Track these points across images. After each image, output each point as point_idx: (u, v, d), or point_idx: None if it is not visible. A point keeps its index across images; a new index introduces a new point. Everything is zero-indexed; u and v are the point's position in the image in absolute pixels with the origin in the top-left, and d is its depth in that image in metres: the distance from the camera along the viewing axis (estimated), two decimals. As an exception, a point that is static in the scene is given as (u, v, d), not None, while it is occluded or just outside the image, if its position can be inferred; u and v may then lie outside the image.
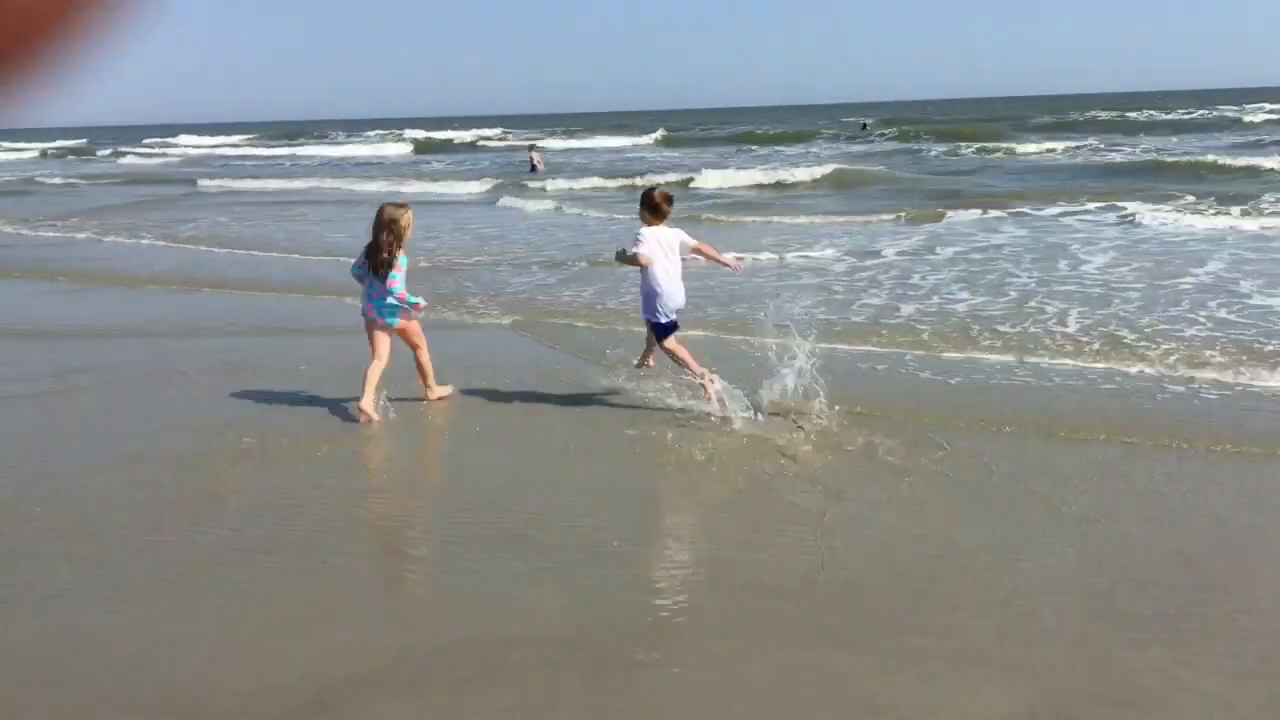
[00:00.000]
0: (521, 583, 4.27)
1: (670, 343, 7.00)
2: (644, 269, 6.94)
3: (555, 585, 4.25)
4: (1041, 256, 13.16)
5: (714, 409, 6.63)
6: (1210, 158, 26.39)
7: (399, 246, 6.74)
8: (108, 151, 63.93)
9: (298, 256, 15.72)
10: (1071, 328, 8.95)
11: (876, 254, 13.83)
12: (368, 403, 6.57)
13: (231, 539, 4.80)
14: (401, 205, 6.97)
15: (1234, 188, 20.41)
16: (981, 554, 4.51)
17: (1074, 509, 5.00)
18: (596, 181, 28.87)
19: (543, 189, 27.20)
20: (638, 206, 7.18)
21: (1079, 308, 9.76)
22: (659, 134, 60.39)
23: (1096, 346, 8.27)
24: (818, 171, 28.06)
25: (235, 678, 3.55)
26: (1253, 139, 37.93)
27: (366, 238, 6.98)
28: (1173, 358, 7.82)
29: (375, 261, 6.73)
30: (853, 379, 7.36)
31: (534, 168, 34.60)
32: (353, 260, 7.10)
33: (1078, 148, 36.11)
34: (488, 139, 67.06)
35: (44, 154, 62.73)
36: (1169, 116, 56.88)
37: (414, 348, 6.99)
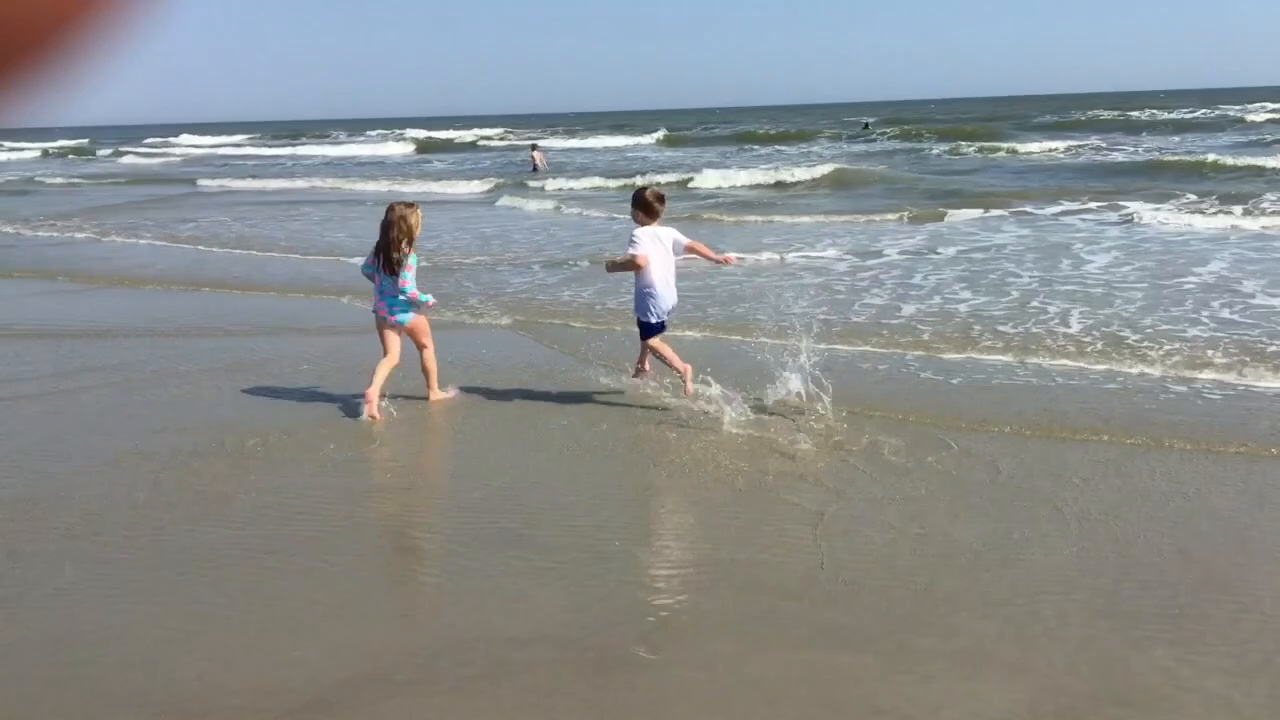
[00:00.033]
0: (522, 582, 4.28)
1: (655, 341, 7.05)
2: (640, 269, 6.96)
3: (556, 585, 4.25)
4: (1043, 256, 13.15)
5: (697, 404, 6.67)
6: (1212, 157, 26.33)
7: (410, 245, 6.85)
8: (109, 151, 63.98)
9: (299, 256, 15.73)
10: (1074, 328, 8.95)
11: (878, 254, 13.83)
12: (374, 391, 6.71)
13: (234, 538, 4.81)
14: (411, 204, 7.08)
15: (1236, 187, 20.38)
16: (983, 553, 4.51)
17: (1076, 508, 5.00)
18: (597, 181, 28.88)
19: (542, 188, 27.22)
20: (629, 207, 7.21)
21: (1081, 307, 9.75)
22: (660, 134, 60.35)
23: (1099, 347, 8.26)
24: (819, 171, 28.04)
25: (238, 677, 3.55)
26: (1254, 138, 37.85)
27: (369, 237, 7.03)
28: (1175, 358, 7.81)
29: (387, 260, 6.83)
30: (854, 379, 7.36)
31: (536, 167, 34.64)
32: (362, 260, 7.18)
33: (1080, 147, 36.06)
34: (489, 139, 67.07)
35: (45, 154, 62.77)
36: (1171, 116, 56.77)
37: (420, 347, 7.08)
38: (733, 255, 7.90)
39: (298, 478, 5.69)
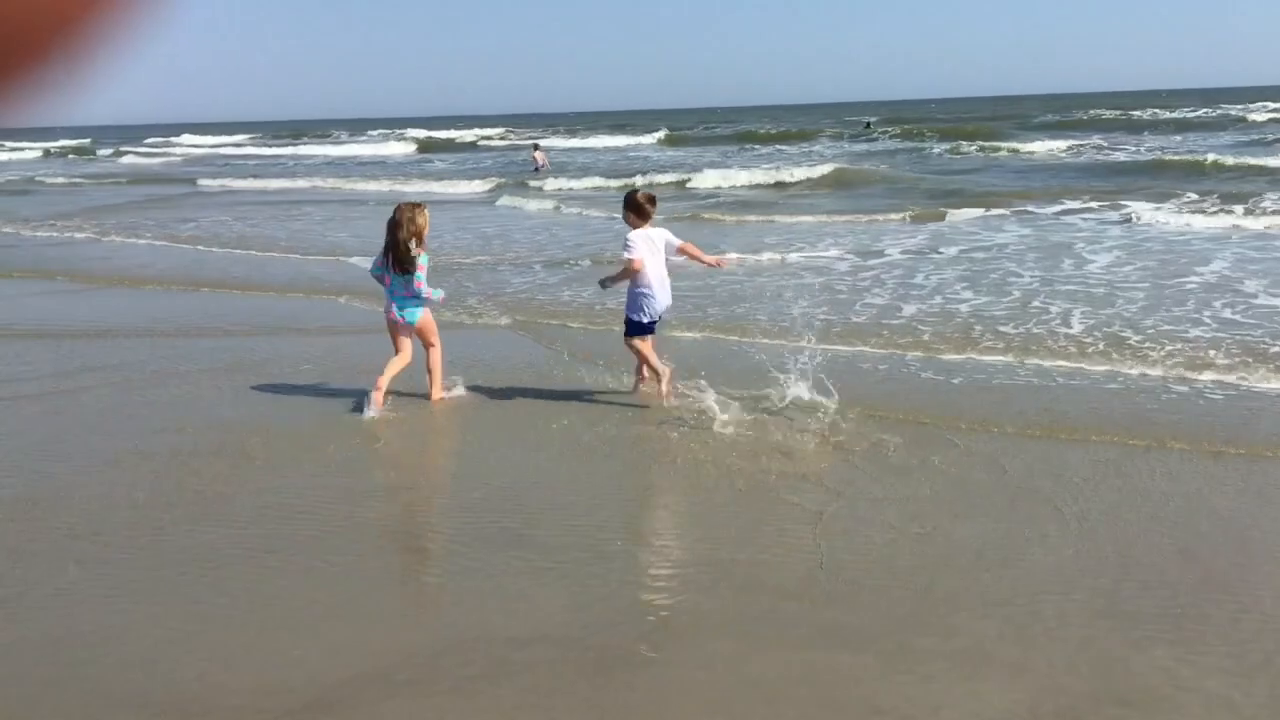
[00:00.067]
0: (523, 582, 4.28)
1: (638, 340, 7.04)
2: (636, 272, 6.97)
3: (557, 585, 4.25)
4: (1045, 256, 13.15)
5: (697, 405, 6.67)
6: (1214, 157, 26.32)
7: (420, 245, 6.91)
8: (109, 151, 64.00)
9: (299, 256, 15.73)
10: (1075, 328, 8.94)
11: (879, 253, 13.83)
12: (384, 380, 6.82)
13: (234, 538, 4.81)
14: (418, 205, 7.14)
15: (1238, 186, 20.37)
16: (983, 553, 4.51)
17: (1076, 508, 5.00)
18: (598, 181, 28.88)
19: (541, 188, 27.22)
20: (621, 209, 7.21)
21: (1082, 307, 9.74)
22: (661, 133, 60.33)
23: (1100, 347, 8.26)
24: (820, 170, 28.03)
25: (238, 677, 3.55)
26: (1256, 138, 37.82)
27: (370, 236, 7.06)
28: (1176, 359, 7.81)
29: (397, 260, 6.89)
30: (854, 379, 7.36)
31: (537, 167, 34.66)
32: (368, 261, 7.22)
33: (1081, 146, 36.03)
34: (489, 138, 67.06)
35: (47, 153, 62.79)
36: (1173, 115, 56.73)
37: (428, 346, 7.13)
38: (728, 258, 7.90)
39: (298, 478, 5.69)
